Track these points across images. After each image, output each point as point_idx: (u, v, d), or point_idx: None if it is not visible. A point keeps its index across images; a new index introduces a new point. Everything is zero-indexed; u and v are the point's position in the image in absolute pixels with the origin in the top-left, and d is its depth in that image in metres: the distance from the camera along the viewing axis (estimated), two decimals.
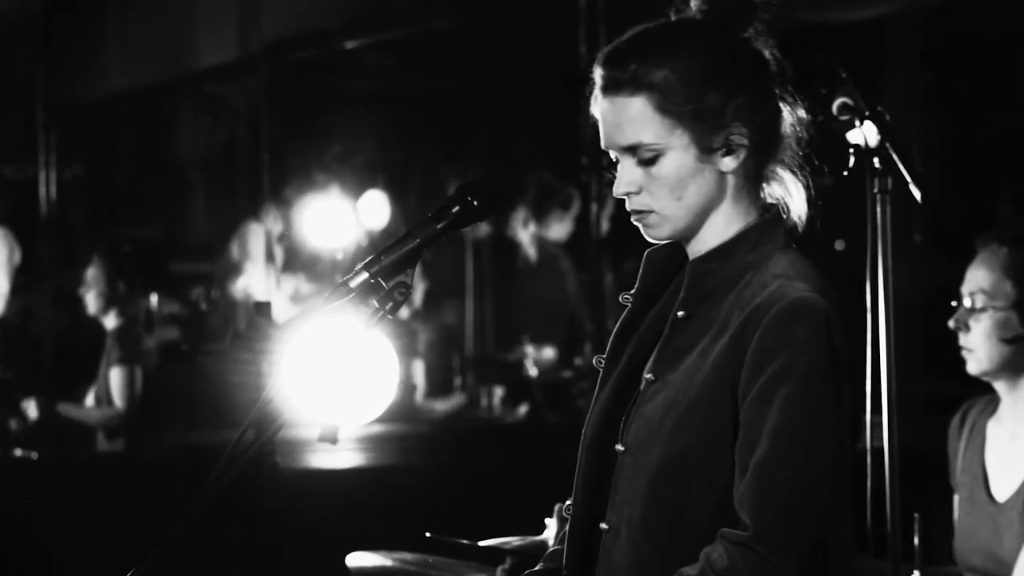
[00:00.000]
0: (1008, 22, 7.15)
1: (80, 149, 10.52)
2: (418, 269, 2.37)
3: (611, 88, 2.34)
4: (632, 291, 2.48)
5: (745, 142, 2.33)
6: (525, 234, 8.24)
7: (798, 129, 2.41)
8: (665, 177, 2.33)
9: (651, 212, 2.35)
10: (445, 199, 2.37)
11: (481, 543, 3.25)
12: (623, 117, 2.33)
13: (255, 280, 8.62)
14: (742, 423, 2.23)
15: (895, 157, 3.24)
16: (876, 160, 3.25)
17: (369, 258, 2.33)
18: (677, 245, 2.43)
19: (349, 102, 9.82)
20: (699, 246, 2.39)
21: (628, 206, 2.37)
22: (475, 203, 2.36)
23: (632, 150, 2.34)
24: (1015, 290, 3.60)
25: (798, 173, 2.42)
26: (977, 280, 3.64)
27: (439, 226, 2.35)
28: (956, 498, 3.77)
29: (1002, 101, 7.38)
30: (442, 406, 8.41)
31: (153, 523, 4.81)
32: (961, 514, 3.72)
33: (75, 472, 6.15)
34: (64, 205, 10.07)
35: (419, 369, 8.70)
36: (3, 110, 10.35)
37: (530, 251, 8.27)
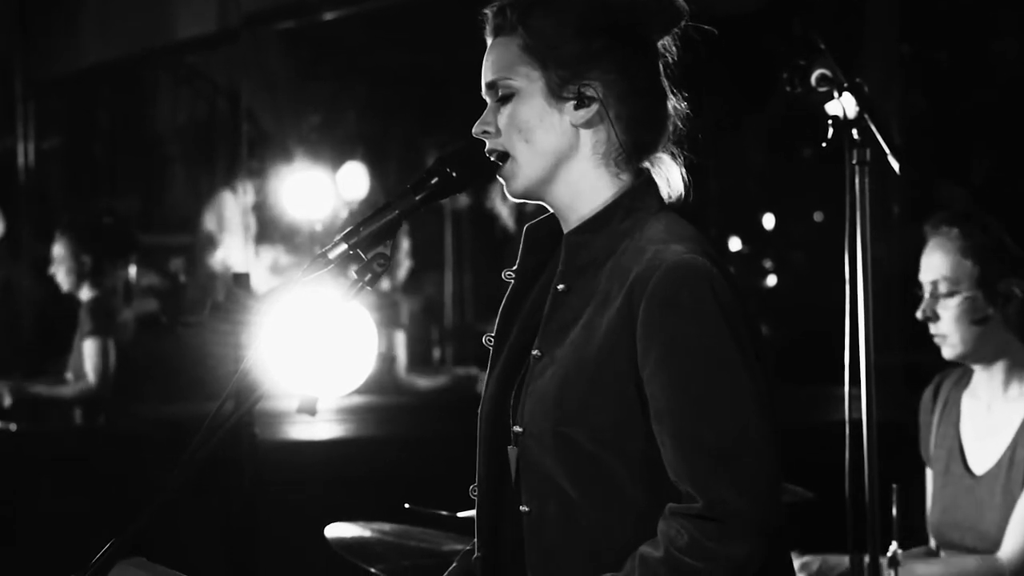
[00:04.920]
0: None
1: (58, 121, 10.48)
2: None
3: (494, 33, 2.40)
4: (514, 268, 2.49)
5: (597, 96, 2.33)
6: (504, 205, 8.24)
7: (678, 121, 2.43)
8: (515, 117, 2.35)
9: (506, 156, 2.37)
10: (424, 170, 2.37)
11: (460, 514, 3.26)
12: (493, 56, 2.39)
13: (234, 252, 8.60)
14: (649, 396, 2.22)
15: (873, 129, 3.23)
16: (855, 132, 3.24)
17: (348, 229, 2.33)
18: (556, 219, 2.44)
19: (328, 74, 9.79)
20: (573, 217, 2.40)
21: (486, 148, 2.40)
22: (454, 174, 2.37)
23: (492, 87, 2.38)
24: (976, 268, 3.56)
25: (677, 154, 2.43)
26: (936, 267, 3.59)
27: (418, 197, 2.36)
28: (929, 472, 3.76)
29: (980, 74, 7.40)
30: (424, 383, 8.39)
31: (132, 496, 4.82)
32: (936, 489, 3.69)
33: (53, 445, 6.14)
34: (43, 177, 10.03)
35: (400, 340, 8.70)
36: None
37: (509, 222, 8.26)
